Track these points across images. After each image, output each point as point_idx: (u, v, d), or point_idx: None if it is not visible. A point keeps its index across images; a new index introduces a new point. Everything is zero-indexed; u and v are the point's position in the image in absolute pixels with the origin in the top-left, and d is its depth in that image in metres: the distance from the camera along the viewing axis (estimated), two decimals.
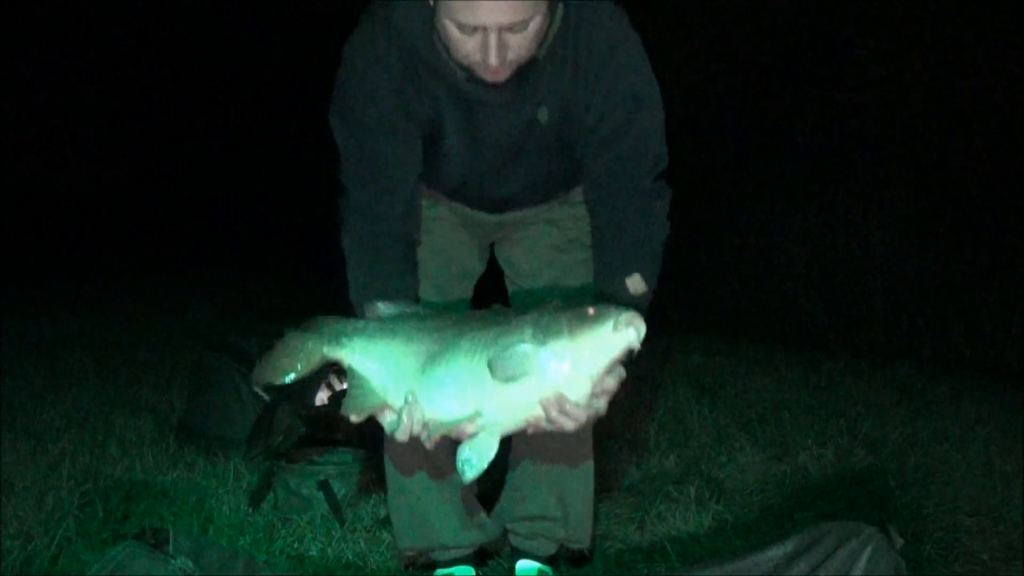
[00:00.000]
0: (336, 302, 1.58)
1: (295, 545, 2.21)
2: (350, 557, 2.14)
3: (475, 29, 1.42)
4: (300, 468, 2.42)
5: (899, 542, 1.34)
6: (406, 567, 2.02)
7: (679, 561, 2.06)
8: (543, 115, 1.65)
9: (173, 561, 1.36)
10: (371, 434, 2.45)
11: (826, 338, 5.12)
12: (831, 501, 2.43)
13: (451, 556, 1.97)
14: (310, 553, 2.17)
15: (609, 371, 1.30)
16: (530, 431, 1.36)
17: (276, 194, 9.53)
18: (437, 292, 1.84)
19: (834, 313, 5.41)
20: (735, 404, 3.54)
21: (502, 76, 1.50)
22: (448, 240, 1.89)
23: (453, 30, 1.44)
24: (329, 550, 2.18)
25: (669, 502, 2.46)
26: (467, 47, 1.45)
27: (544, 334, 1.28)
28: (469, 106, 1.63)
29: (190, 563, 1.37)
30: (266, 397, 2.77)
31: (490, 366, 1.28)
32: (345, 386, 1.45)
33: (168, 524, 2.19)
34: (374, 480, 2.46)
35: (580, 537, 2.02)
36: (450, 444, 1.37)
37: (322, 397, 2.67)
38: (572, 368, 1.28)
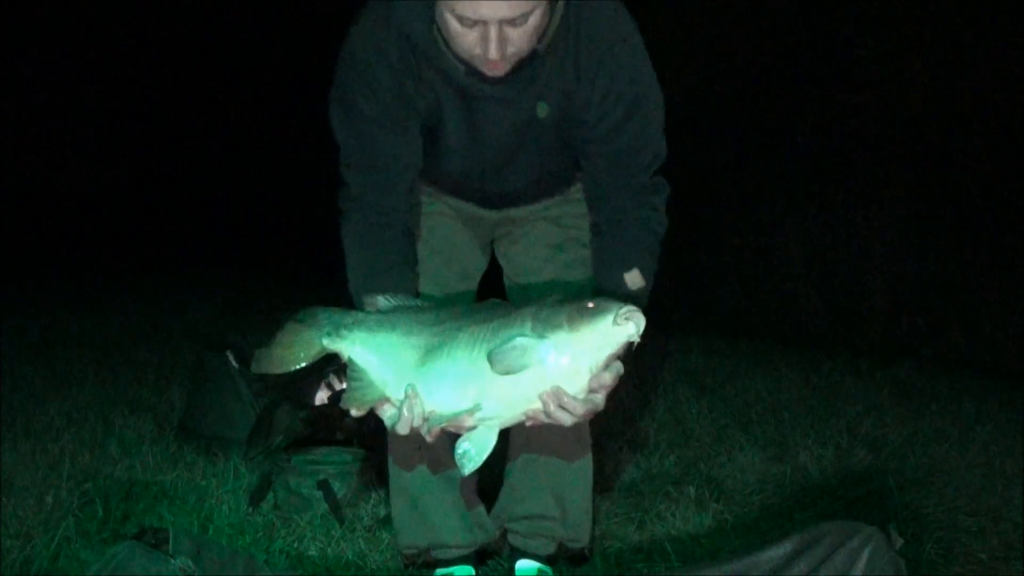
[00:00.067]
0: (336, 302, 1.57)
1: (295, 545, 2.21)
2: (350, 557, 2.14)
3: (475, 22, 1.42)
4: (300, 468, 2.42)
5: (899, 542, 1.34)
6: (406, 566, 2.02)
7: (679, 561, 2.06)
8: (543, 110, 1.65)
9: (173, 561, 1.36)
10: (371, 434, 2.45)
11: (826, 338, 5.12)
12: (831, 501, 2.43)
13: (451, 555, 1.97)
14: (310, 553, 2.17)
15: (607, 365, 1.30)
16: (528, 424, 1.36)
17: (276, 194, 9.53)
18: (440, 290, 1.84)
19: (834, 313, 5.41)
20: (735, 404, 3.54)
21: (502, 70, 1.50)
22: (449, 237, 1.90)
23: (453, 23, 1.44)
24: (329, 550, 2.18)
25: (669, 502, 2.46)
26: (467, 40, 1.45)
27: (544, 327, 1.28)
28: (469, 100, 1.63)
29: (190, 563, 1.37)
30: (266, 398, 2.77)
31: (490, 359, 1.28)
32: (345, 386, 1.45)
33: (168, 524, 2.19)
34: (374, 480, 2.46)
35: (579, 536, 2.02)
36: (451, 442, 1.37)
37: (322, 397, 2.67)
38: (571, 361, 1.28)
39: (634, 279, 1.67)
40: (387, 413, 1.39)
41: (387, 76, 1.62)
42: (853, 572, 1.30)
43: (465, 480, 1.92)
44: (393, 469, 1.96)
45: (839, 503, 2.42)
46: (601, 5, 1.62)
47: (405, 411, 1.35)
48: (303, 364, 1.44)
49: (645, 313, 1.27)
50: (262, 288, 7.00)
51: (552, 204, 1.90)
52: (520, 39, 1.45)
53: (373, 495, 2.45)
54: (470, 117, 1.66)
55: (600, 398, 1.33)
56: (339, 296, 1.69)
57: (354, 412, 1.39)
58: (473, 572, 1.99)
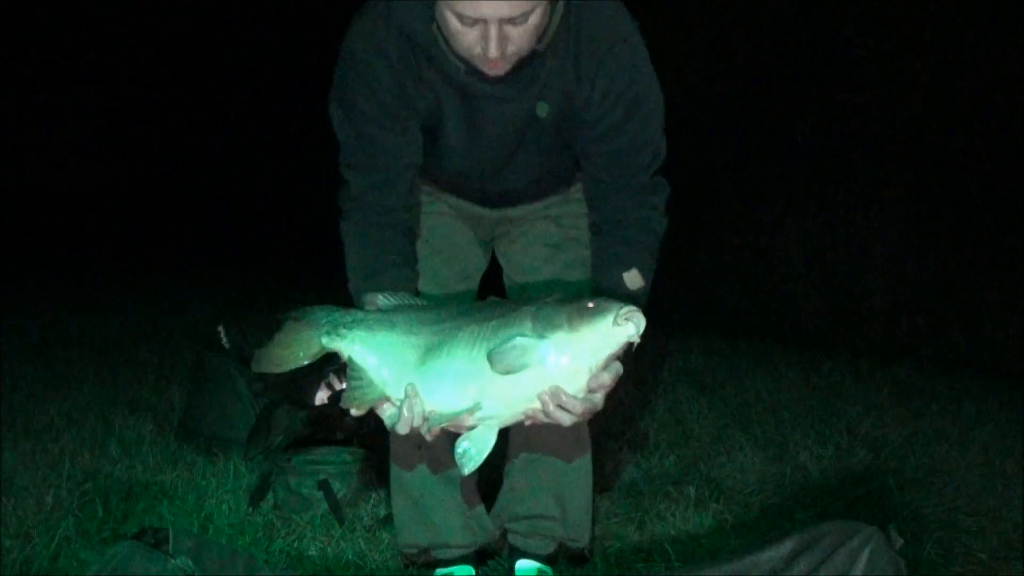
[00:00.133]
0: (336, 302, 1.57)
1: (295, 545, 2.21)
2: (350, 556, 2.13)
3: (476, 21, 1.42)
4: (300, 468, 2.42)
5: (899, 542, 1.34)
6: (406, 566, 2.02)
7: (679, 561, 2.06)
8: (543, 110, 1.65)
9: (173, 560, 1.36)
10: (371, 434, 2.45)
11: (826, 338, 5.12)
12: (831, 501, 2.43)
13: (452, 555, 1.97)
14: (310, 552, 2.17)
15: (607, 366, 1.30)
16: (528, 423, 1.36)
17: (275, 194, 9.53)
18: (440, 289, 1.84)
19: (834, 313, 5.41)
20: (735, 404, 3.54)
21: (502, 69, 1.50)
22: (450, 236, 1.90)
23: (454, 22, 1.44)
24: (329, 550, 2.18)
25: (669, 502, 2.46)
26: (467, 39, 1.45)
27: (544, 327, 1.28)
28: (469, 99, 1.63)
29: (190, 562, 1.37)
30: (266, 398, 2.77)
31: (489, 358, 1.28)
32: (344, 385, 1.44)
33: (168, 523, 2.19)
34: (374, 480, 2.46)
35: (579, 536, 2.02)
36: (451, 442, 1.37)
37: (322, 397, 2.67)
38: (571, 361, 1.28)
39: (633, 279, 1.67)
40: (387, 413, 1.39)
41: (387, 75, 1.62)
42: (853, 572, 1.30)
43: (465, 480, 1.92)
44: (394, 468, 1.96)
45: (839, 503, 2.42)
46: (601, 5, 1.62)
47: (405, 411, 1.35)
48: (303, 363, 1.44)
49: (645, 313, 1.27)
50: (262, 288, 7.00)
51: (552, 203, 1.90)
52: (520, 38, 1.45)
53: (373, 495, 2.45)
54: (470, 116, 1.66)
55: (599, 398, 1.33)
56: (339, 296, 1.69)
57: (354, 412, 1.39)
58: (473, 572, 1.99)
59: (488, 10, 1.39)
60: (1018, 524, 2.31)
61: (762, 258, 5.81)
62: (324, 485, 2.38)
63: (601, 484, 2.49)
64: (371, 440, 2.49)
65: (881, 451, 2.92)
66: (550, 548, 2.00)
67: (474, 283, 1.95)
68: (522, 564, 2.00)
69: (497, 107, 1.64)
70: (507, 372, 1.28)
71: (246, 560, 1.46)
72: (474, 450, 1.34)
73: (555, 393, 1.29)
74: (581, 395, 1.31)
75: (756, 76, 5.88)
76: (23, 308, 5.79)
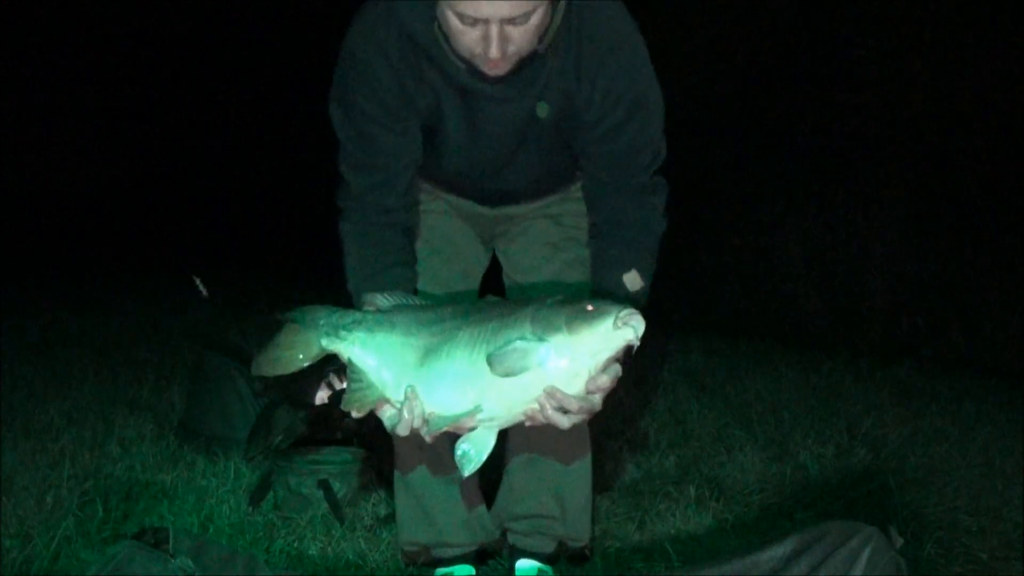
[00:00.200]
0: (335, 302, 1.57)
1: (295, 544, 2.21)
2: (350, 556, 2.14)
3: (476, 21, 1.41)
4: (300, 467, 2.42)
5: (899, 542, 1.33)
6: (407, 564, 2.02)
7: (679, 560, 2.06)
8: (543, 110, 1.65)
9: (173, 560, 1.36)
10: (371, 433, 2.45)
11: (826, 338, 5.12)
12: (831, 501, 2.43)
13: (453, 554, 1.97)
14: (310, 552, 2.17)
15: (606, 368, 1.30)
16: (527, 424, 1.36)
17: (275, 194, 9.53)
18: (441, 288, 1.84)
19: (834, 313, 5.40)
20: (735, 404, 3.55)
21: (502, 69, 1.50)
22: (449, 235, 1.90)
23: (455, 21, 1.44)
24: (329, 549, 2.18)
25: (669, 501, 2.46)
26: (468, 39, 1.45)
27: (543, 329, 1.27)
28: (469, 99, 1.63)
29: (190, 562, 1.36)
30: (266, 398, 2.77)
31: (489, 361, 1.28)
32: (345, 385, 1.44)
33: (168, 523, 2.19)
34: (374, 479, 2.46)
35: (579, 535, 2.02)
36: (452, 442, 1.37)
37: (322, 396, 2.67)
38: (571, 364, 1.28)
39: (633, 280, 1.67)
40: (387, 414, 1.39)
41: (387, 74, 1.62)
42: (853, 572, 1.30)
43: (467, 480, 1.92)
44: (397, 467, 1.96)
45: (839, 503, 2.42)
46: (603, 5, 1.62)
47: (405, 412, 1.35)
48: (303, 365, 1.43)
49: (644, 315, 1.26)
50: (262, 288, 7.00)
51: (552, 202, 1.90)
52: (521, 39, 1.45)
53: (373, 494, 2.45)
54: (470, 116, 1.66)
55: (597, 399, 1.33)
56: (339, 295, 1.69)
57: (354, 414, 1.39)
58: (473, 572, 2.00)
59: (489, 10, 1.39)
60: (1018, 524, 2.31)
61: (762, 258, 5.81)
62: (324, 485, 2.38)
63: (601, 484, 2.49)
64: (371, 440, 2.49)
65: (881, 451, 2.92)
66: (550, 547, 2.00)
67: (474, 282, 1.95)
68: (522, 564, 2.00)
69: (497, 107, 1.64)
70: (507, 374, 1.28)
71: (246, 560, 1.46)
72: (473, 452, 1.34)
73: (553, 394, 1.29)
74: (579, 397, 1.31)
75: (756, 76, 5.88)
76: (23, 308, 5.79)
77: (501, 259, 1.99)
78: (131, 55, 10.48)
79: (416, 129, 1.68)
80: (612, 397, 1.36)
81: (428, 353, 1.34)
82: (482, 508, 2.01)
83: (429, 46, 1.58)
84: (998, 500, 2.49)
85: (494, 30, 1.41)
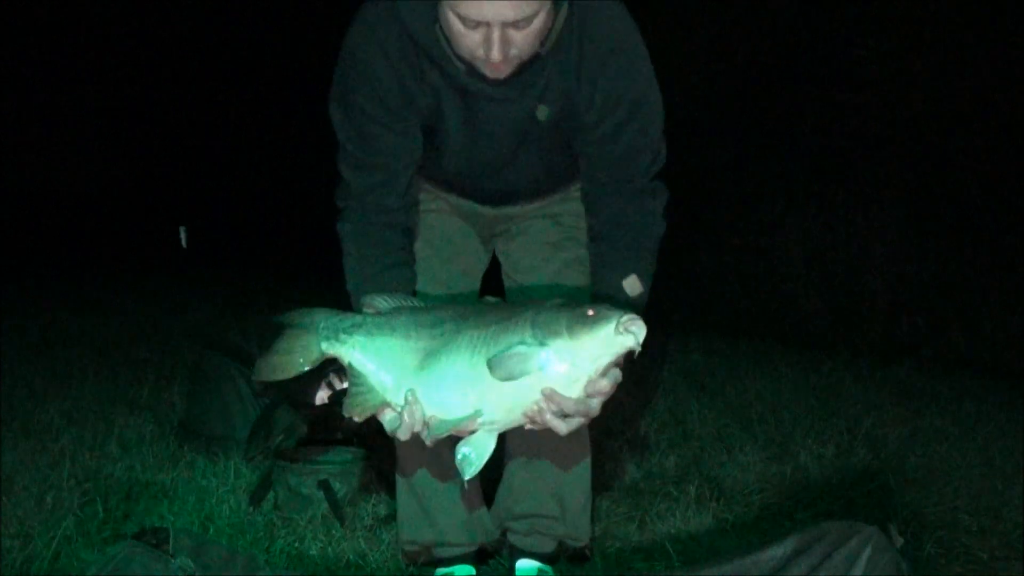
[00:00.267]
0: (335, 301, 1.57)
1: (295, 544, 2.21)
2: (350, 556, 2.14)
3: (478, 24, 1.41)
4: (300, 467, 2.42)
5: (899, 541, 1.33)
6: (407, 564, 2.02)
7: (679, 560, 2.06)
8: (543, 113, 1.65)
9: (173, 560, 1.36)
10: (371, 433, 2.45)
11: (826, 338, 5.12)
12: (831, 501, 2.43)
13: (453, 553, 1.97)
14: (310, 552, 2.17)
15: (605, 372, 1.30)
16: (527, 426, 1.36)
17: (275, 194, 9.53)
18: (442, 288, 1.84)
19: (834, 313, 5.41)
20: (735, 404, 3.55)
21: (504, 72, 1.50)
22: (449, 235, 1.89)
23: (457, 24, 1.44)
24: (329, 549, 2.18)
25: (669, 501, 2.46)
26: (470, 41, 1.45)
27: (544, 333, 1.27)
28: (469, 99, 1.63)
29: (190, 562, 1.36)
30: (267, 398, 2.78)
31: (489, 365, 1.28)
32: (345, 385, 1.44)
33: (168, 523, 2.19)
34: (374, 479, 2.46)
35: (579, 535, 2.02)
36: (454, 441, 1.37)
37: (322, 396, 2.67)
38: (571, 368, 1.27)
39: (633, 285, 1.67)
40: (387, 418, 1.39)
41: (388, 74, 1.61)
42: (853, 572, 1.30)
43: (467, 480, 1.92)
44: (399, 466, 1.96)
45: (839, 503, 2.42)
46: (604, 6, 1.61)
47: (406, 417, 1.35)
48: (303, 369, 1.43)
49: (645, 319, 1.26)
50: (262, 288, 7.00)
51: (552, 202, 1.90)
52: (523, 42, 1.45)
53: (374, 495, 2.45)
54: (470, 116, 1.66)
55: (596, 404, 1.33)
56: (338, 295, 1.69)
57: (356, 418, 1.39)
58: (474, 572, 2.00)
59: (491, 13, 1.39)
60: (1018, 524, 2.31)
61: (762, 258, 5.81)
62: (325, 485, 2.38)
63: (601, 484, 2.49)
64: (372, 440, 2.49)
65: (881, 451, 2.92)
66: (550, 547, 2.00)
67: (475, 281, 1.95)
68: (522, 564, 2.00)
69: (498, 108, 1.64)
70: (507, 378, 1.28)
71: (246, 560, 1.46)
72: (474, 455, 1.34)
73: (552, 398, 1.29)
74: (578, 401, 1.31)
75: (756, 76, 5.88)
76: (23, 308, 5.79)
77: (501, 258, 1.99)
78: (131, 55, 10.49)
79: (416, 129, 1.68)
80: (611, 402, 1.36)
81: (428, 356, 1.34)
82: (482, 508, 2.01)
83: (430, 46, 1.58)
84: (998, 500, 2.49)
85: (496, 33, 1.41)
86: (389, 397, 1.37)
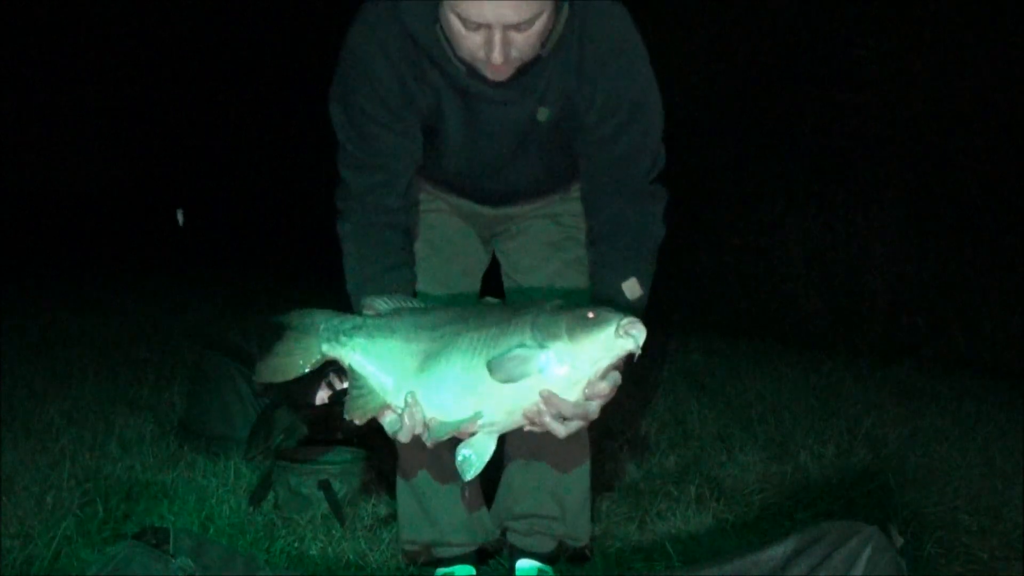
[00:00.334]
0: (335, 301, 1.57)
1: (295, 544, 2.21)
2: (350, 556, 2.14)
3: (480, 26, 1.41)
4: (300, 467, 2.42)
5: (899, 541, 1.33)
6: (407, 564, 2.02)
7: (679, 560, 2.06)
8: (543, 115, 1.65)
9: (173, 560, 1.35)
10: (371, 433, 2.45)
11: (826, 338, 5.12)
12: (831, 501, 2.43)
13: (453, 553, 1.97)
14: (310, 552, 2.17)
15: (605, 375, 1.30)
16: (526, 428, 1.36)
17: (275, 194, 9.53)
18: (442, 287, 1.84)
19: (834, 313, 5.41)
20: (735, 404, 3.55)
21: (505, 74, 1.50)
22: (450, 234, 1.89)
23: (458, 25, 1.43)
24: (329, 549, 2.18)
25: (669, 501, 2.46)
26: (471, 43, 1.45)
27: (543, 336, 1.27)
28: (469, 100, 1.63)
29: (190, 562, 1.36)
30: (267, 398, 2.78)
31: (489, 367, 1.28)
32: (346, 385, 1.44)
33: (168, 523, 2.19)
34: (375, 480, 2.46)
35: (579, 534, 2.02)
36: (454, 443, 1.37)
37: (322, 396, 2.67)
38: (570, 371, 1.28)
39: (632, 288, 1.67)
40: (388, 420, 1.39)
41: (388, 73, 1.61)
42: (853, 572, 1.30)
43: (469, 481, 1.92)
44: (400, 466, 1.96)
45: (839, 503, 2.42)
46: (606, 8, 1.61)
47: (406, 419, 1.35)
48: (304, 371, 1.44)
49: (644, 321, 1.26)
50: (262, 288, 7.00)
51: (551, 202, 1.90)
52: (524, 44, 1.45)
53: (374, 495, 2.45)
54: (470, 118, 1.66)
55: (594, 406, 1.33)
56: (338, 295, 1.69)
57: (356, 421, 1.39)
58: (474, 572, 2.00)
59: (493, 15, 1.39)
60: (1018, 524, 2.31)
61: (762, 258, 5.81)
62: (325, 485, 2.38)
63: (601, 484, 2.49)
64: (372, 440, 2.49)
65: (881, 451, 2.92)
66: (550, 547, 2.00)
67: (475, 281, 1.95)
68: (522, 564, 2.00)
69: (498, 109, 1.64)
70: (507, 381, 1.28)
71: (247, 560, 1.46)
72: (474, 457, 1.34)
73: (550, 400, 1.29)
74: (577, 403, 1.31)
75: (756, 76, 5.88)
76: (23, 308, 5.79)
77: (500, 258, 1.99)
78: (131, 55, 10.49)
79: (416, 129, 1.68)
80: (611, 401, 1.36)
81: (428, 359, 1.34)
82: (483, 508, 2.01)
83: (430, 46, 1.58)
84: (998, 500, 2.49)
85: (497, 35, 1.41)
86: (389, 399, 1.37)
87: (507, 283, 1.99)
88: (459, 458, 1.34)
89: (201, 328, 5.11)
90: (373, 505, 2.42)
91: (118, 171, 10.92)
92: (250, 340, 3.77)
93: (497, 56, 1.43)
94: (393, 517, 2.19)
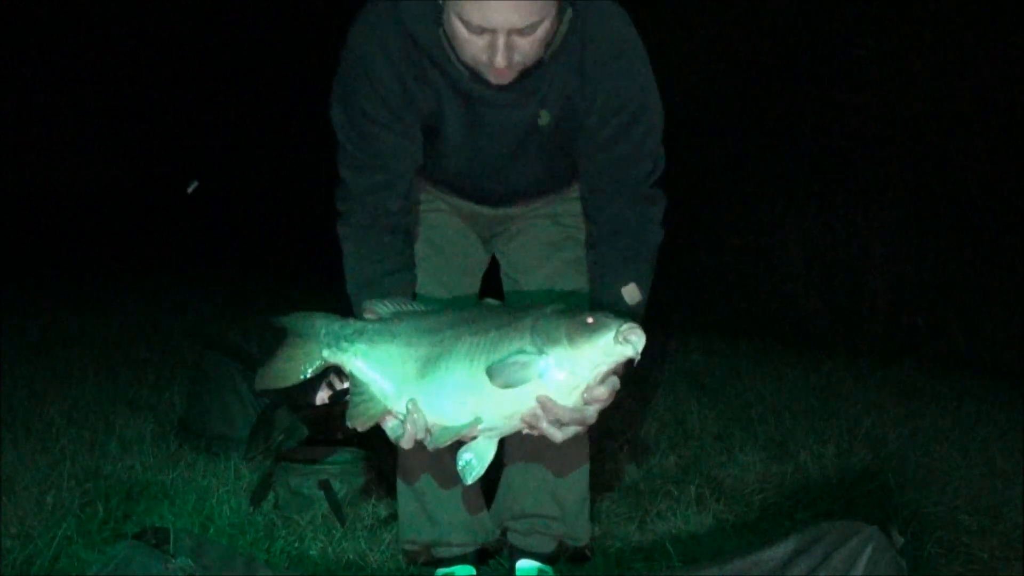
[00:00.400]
0: (335, 301, 1.57)
1: (296, 545, 2.21)
2: (351, 557, 2.13)
3: (484, 30, 1.41)
4: (301, 468, 2.42)
5: (899, 541, 1.34)
6: (407, 563, 2.02)
7: (679, 560, 2.06)
8: (544, 117, 1.64)
9: (173, 560, 1.36)
10: (372, 434, 2.45)
11: (826, 338, 5.12)
12: (831, 501, 2.43)
13: (453, 553, 1.97)
14: (311, 553, 2.17)
15: (603, 380, 1.30)
16: (524, 431, 1.36)
17: (275, 194, 9.53)
18: (443, 287, 1.84)
19: (834, 313, 5.41)
20: (735, 404, 3.55)
21: (507, 78, 1.49)
22: (450, 234, 1.89)
23: (461, 30, 1.43)
24: (330, 550, 2.18)
25: (669, 501, 2.46)
26: (475, 48, 1.44)
27: (543, 341, 1.27)
28: (471, 102, 1.63)
29: (190, 562, 1.37)
30: (267, 398, 2.78)
31: (489, 372, 1.28)
32: (346, 385, 1.44)
33: (168, 523, 2.19)
34: (375, 480, 2.46)
35: (579, 534, 2.02)
36: (455, 445, 1.37)
37: (322, 397, 2.67)
38: (570, 376, 1.28)
39: (631, 293, 1.67)
40: (390, 426, 1.39)
41: (390, 74, 1.61)
42: (853, 572, 1.30)
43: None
44: (400, 466, 1.96)
45: (839, 503, 2.42)
46: (607, 14, 1.61)
47: (408, 425, 1.35)
48: (305, 377, 1.44)
49: (644, 326, 1.26)
50: (262, 288, 7.00)
51: (551, 202, 1.90)
52: (528, 49, 1.44)
53: (374, 495, 2.45)
54: (471, 120, 1.66)
55: (592, 411, 1.33)
56: (338, 295, 1.69)
57: (359, 428, 1.39)
58: (474, 572, 2.00)
59: (497, 20, 1.38)
60: (1018, 524, 2.31)
61: (762, 258, 5.81)
62: (325, 485, 2.38)
63: (601, 484, 2.49)
64: (372, 440, 2.49)
65: (881, 451, 2.92)
66: (550, 547, 2.00)
67: (476, 281, 1.95)
68: (522, 564, 2.00)
69: (499, 112, 1.64)
70: (506, 386, 1.28)
71: (247, 560, 1.46)
72: (476, 461, 1.34)
73: (547, 405, 1.29)
74: (575, 408, 1.31)
75: (756, 76, 5.88)
76: (23, 308, 5.79)
77: (499, 258, 1.99)
78: (131, 55, 10.49)
79: (417, 130, 1.67)
80: (607, 410, 1.36)
81: (428, 364, 1.34)
82: (483, 508, 2.01)
83: (431, 47, 1.58)
84: (998, 500, 2.49)
85: (501, 40, 1.41)
86: (391, 405, 1.37)
87: (506, 283, 1.98)
88: (460, 463, 1.35)
89: (201, 328, 5.11)
90: (373, 505, 2.41)
91: (118, 171, 10.92)
92: (250, 340, 3.78)
93: (500, 60, 1.42)
94: (393, 517, 2.19)
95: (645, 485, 2.61)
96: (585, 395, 1.29)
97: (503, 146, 1.71)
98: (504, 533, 2.05)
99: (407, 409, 1.34)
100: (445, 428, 1.34)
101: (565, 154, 1.75)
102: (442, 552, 1.98)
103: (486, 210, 1.91)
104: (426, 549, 1.99)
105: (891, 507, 2.36)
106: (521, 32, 1.41)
